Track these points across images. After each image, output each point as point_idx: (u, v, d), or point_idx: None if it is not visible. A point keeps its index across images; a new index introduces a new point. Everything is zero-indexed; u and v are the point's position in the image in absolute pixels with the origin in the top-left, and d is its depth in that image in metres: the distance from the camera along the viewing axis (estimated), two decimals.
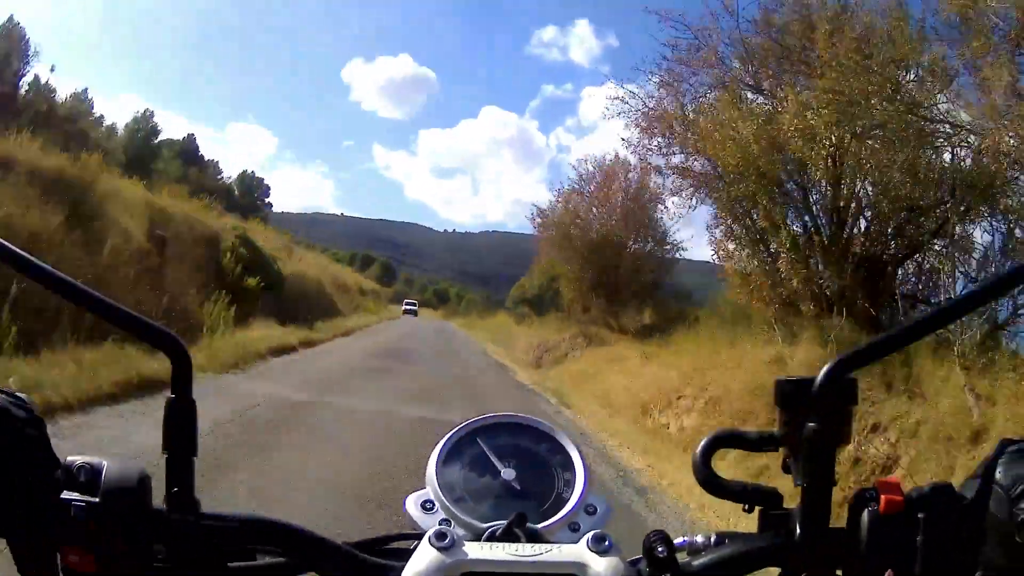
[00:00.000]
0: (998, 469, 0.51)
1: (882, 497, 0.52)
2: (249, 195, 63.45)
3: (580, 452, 0.67)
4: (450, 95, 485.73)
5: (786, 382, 0.56)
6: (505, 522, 0.57)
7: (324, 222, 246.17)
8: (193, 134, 57.45)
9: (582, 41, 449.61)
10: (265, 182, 65.86)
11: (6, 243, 0.52)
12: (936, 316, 0.53)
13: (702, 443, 0.60)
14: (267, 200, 65.65)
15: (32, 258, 0.52)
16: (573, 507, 0.62)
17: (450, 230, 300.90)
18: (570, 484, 0.64)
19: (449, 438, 0.67)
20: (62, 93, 26.92)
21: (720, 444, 0.60)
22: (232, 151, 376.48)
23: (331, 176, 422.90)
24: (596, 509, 0.62)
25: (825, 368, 0.52)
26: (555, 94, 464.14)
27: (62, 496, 0.51)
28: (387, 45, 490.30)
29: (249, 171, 65.91)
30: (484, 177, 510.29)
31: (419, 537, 0.54)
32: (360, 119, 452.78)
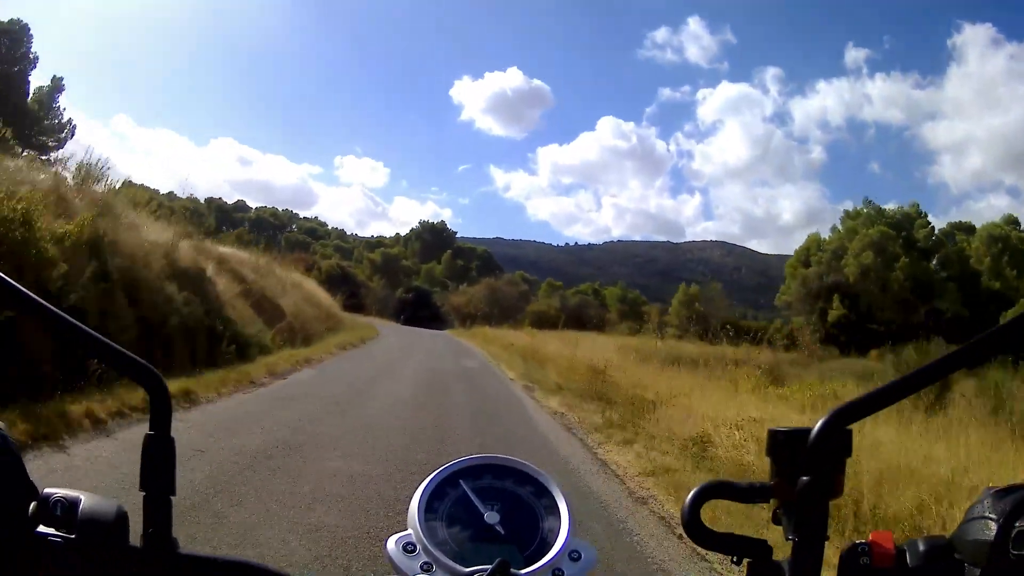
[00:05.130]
0: (986, 507, 0.52)
1: (874, 551, 0.53)
2: None
3: (564, 496, 0.66)
4: (565, 109, 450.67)
5: (779, 432, 0.55)
6: (488, 568, 0.56)
7: None
8: None
9: (696, 39, 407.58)
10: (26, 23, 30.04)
11: None
12: (935, 367, 0.52)
13: (691, 494, 0.59)
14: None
15: (12, 283, 0.50)
16: (557, 553, 0.61)
17: (571, 244, 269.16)
18: (554, 529, 0.63)
19: (432, 479, 0.66)
20: None
21: (709, 495, 0.59)
22: (342, 188, 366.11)
23: (449, 203, 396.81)
24: (580, 555, 0.61)
25: (821, 421, 0.52)
26: (672, 97, 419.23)
27: (38, 530, 0.50)
28: (494, 60, 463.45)
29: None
30: (606, 191, 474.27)
31: None
32: (474, 140, 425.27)
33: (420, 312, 48.65)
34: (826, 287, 40.94)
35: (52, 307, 0.51)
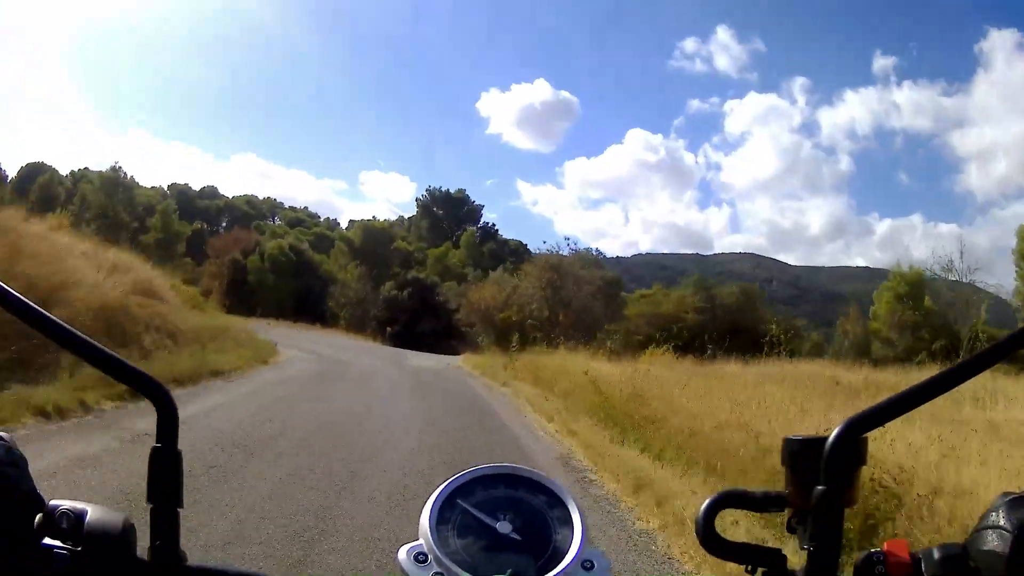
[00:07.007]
0: (1001, 516, 0.51)
1: (889, 560, 0.53)
2: None
3: (577, 505, 0.66)
4: (594, 121, 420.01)
5: (794, 441, 0.56)
6: None
7: None
8: None
9: (725, 49, 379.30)
10: None
11: None
12: (953, 374, 0.52)
13: (706, 503, 0.59)
14: None
15: (14, 292, 0.51)
16: (570, 562, 0.60)
17: (601, 256, 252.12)
18: (567, 538, 0.62)
19: (444, 488, 0.65)
20: None
21: (724, 504, 0.59)
22: (368, 204, 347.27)
23: None
24: (593, 564, 0.60)
25: (837, 429, 0.52)
26: (701, 108, 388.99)
27: (44, 543, 0.50)
28: (522, 72, 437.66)
29: None
30: (634, 204, 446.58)
31: None
32: (501, 153, 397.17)
33: (422, 323, 29.57)
34: None
35: (56, 319, 0.51)
